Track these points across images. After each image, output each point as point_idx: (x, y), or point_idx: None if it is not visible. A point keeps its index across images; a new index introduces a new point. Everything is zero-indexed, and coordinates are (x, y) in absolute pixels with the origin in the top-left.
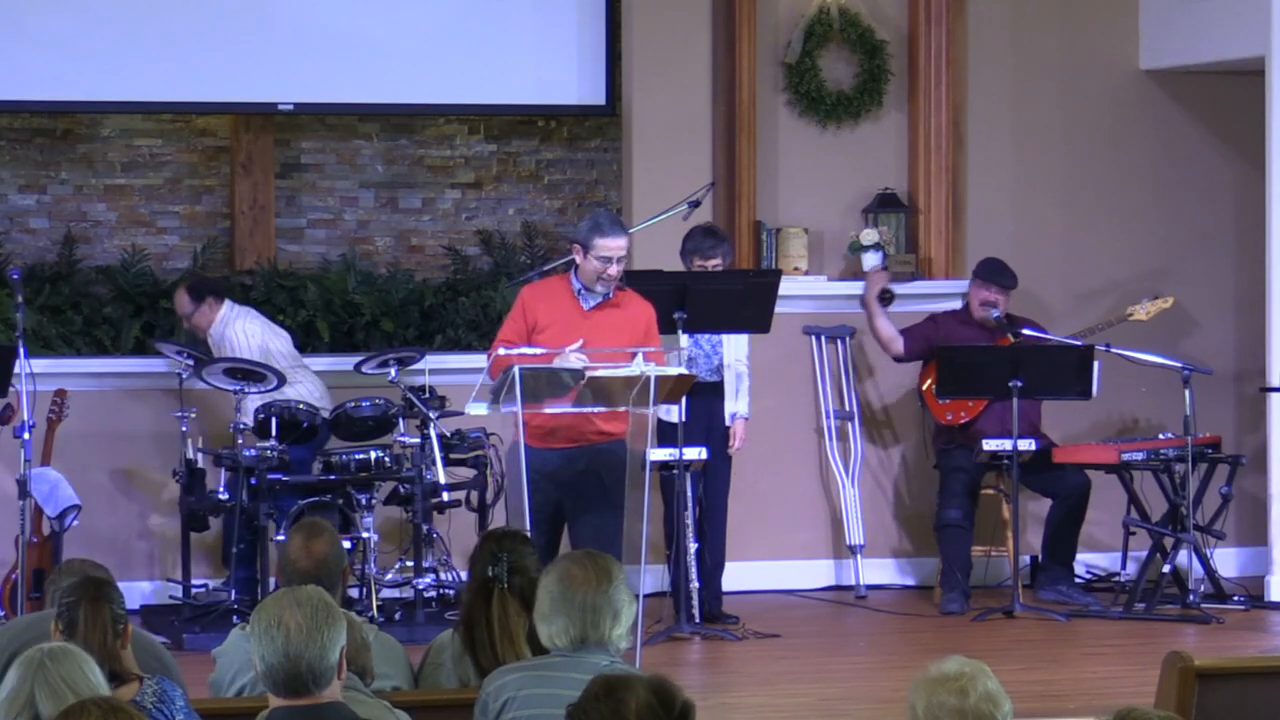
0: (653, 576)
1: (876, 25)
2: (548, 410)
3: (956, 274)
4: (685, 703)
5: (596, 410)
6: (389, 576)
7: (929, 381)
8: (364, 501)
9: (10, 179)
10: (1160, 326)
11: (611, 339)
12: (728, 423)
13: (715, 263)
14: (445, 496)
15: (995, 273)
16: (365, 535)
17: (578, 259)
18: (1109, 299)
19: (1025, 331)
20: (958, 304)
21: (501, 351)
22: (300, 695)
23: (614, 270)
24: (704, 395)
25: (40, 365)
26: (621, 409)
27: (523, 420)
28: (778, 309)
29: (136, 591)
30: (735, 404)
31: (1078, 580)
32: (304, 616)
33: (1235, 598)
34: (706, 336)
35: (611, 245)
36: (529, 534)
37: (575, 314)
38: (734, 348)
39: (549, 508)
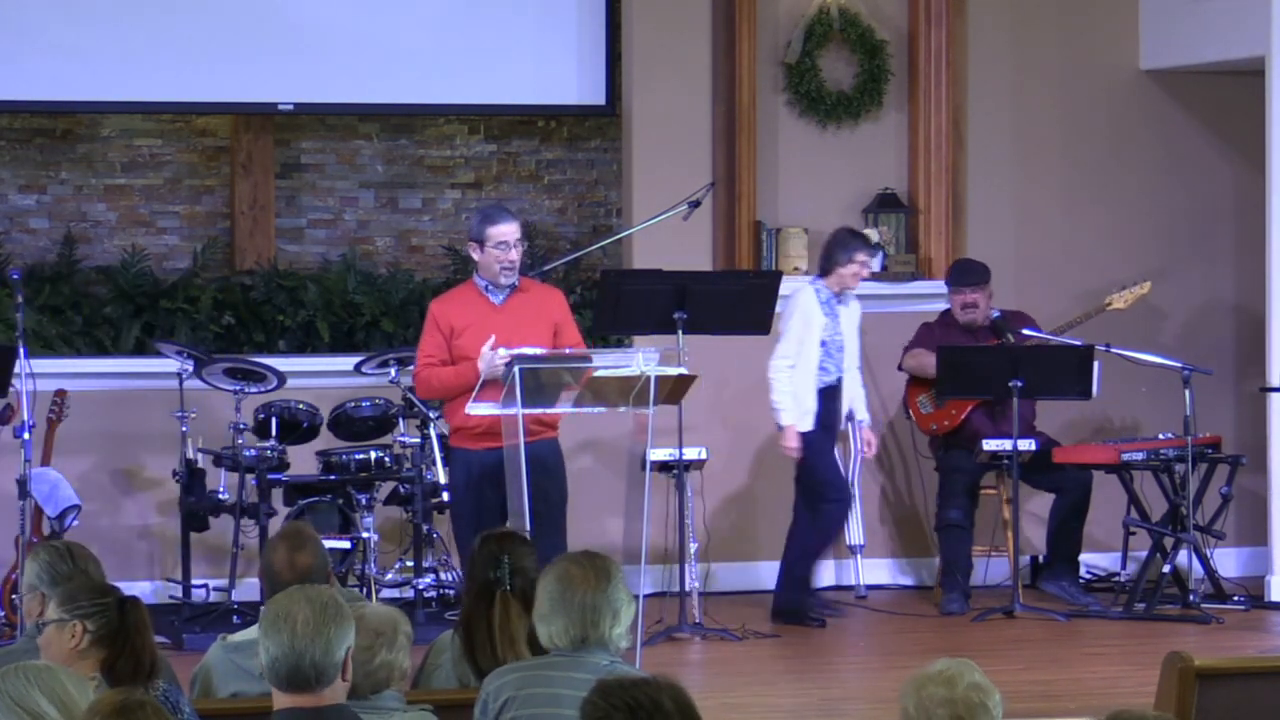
0: (653, 576)
1: (876, 25)
2: (554, 411)
3: None
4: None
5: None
6: (389, 576)
7: (915, 393)
8: (364, 501)
9: (10, 179)
10: (1160, 326)
11: (527, 329)
12: (841, 425)
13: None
14: (445, 496)
15: (962, 274)
16: (365, 535)
17: (476, 256)
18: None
19: (1025, 331)
20: (942, 311)
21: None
22: (303, 690)
23: (514, 255)
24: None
25: (40, 365)
26: (622, 409)
27: (523, 421)
28: (778, 309)
29: (136, 591)
30: (859, 409)
31: (1081, 579)
32: (312, 612)
33: (1235, 598)
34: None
35: (504, 230)
36: (528, 534)
37: (487, 311)
38: (853, 352)
39: (497, 512)
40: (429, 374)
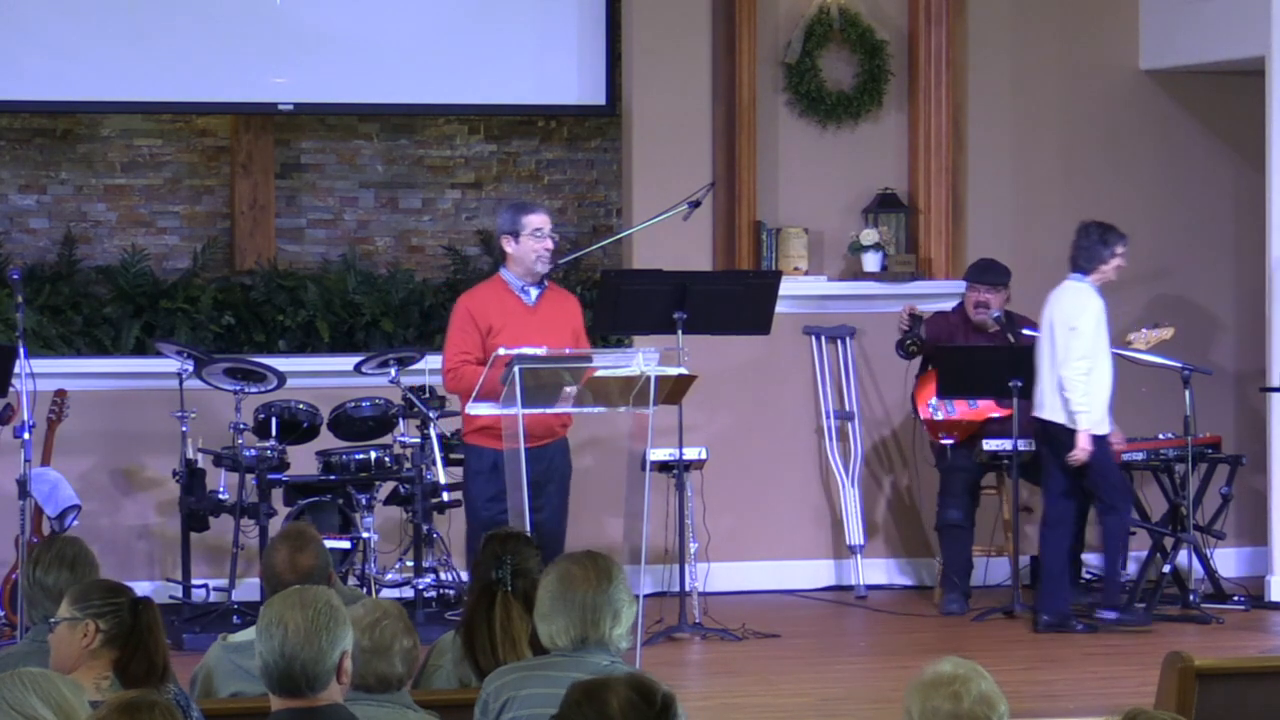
0: (653, 576)
1: (876, 25)
2: (554, 410)
3: (956, 274)
4: (666, 695)
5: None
6: (389, 576)
7: (924, 394)
8: (364, 501)
9: (10, 179)
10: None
11: (557, 332)
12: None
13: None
14: (445, 496)
15: (981, 271)
16: (365, 535)
17: (510, 249)
18: (1109, 300)
19: (1025, 332)
20: (957, 304)
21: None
22: (295, 695)
23: (549, 243)
24: None
25: (40, 365)
26: (622, 409)
27: (523, 421)
28: (778, 309)
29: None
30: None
31: (1081, 579)
32: (305, 618)
33: (1235, 598)
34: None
35: (540, 218)
36: (529, 534)
37: (522, 311)
38: None
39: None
40: (467, 371)
